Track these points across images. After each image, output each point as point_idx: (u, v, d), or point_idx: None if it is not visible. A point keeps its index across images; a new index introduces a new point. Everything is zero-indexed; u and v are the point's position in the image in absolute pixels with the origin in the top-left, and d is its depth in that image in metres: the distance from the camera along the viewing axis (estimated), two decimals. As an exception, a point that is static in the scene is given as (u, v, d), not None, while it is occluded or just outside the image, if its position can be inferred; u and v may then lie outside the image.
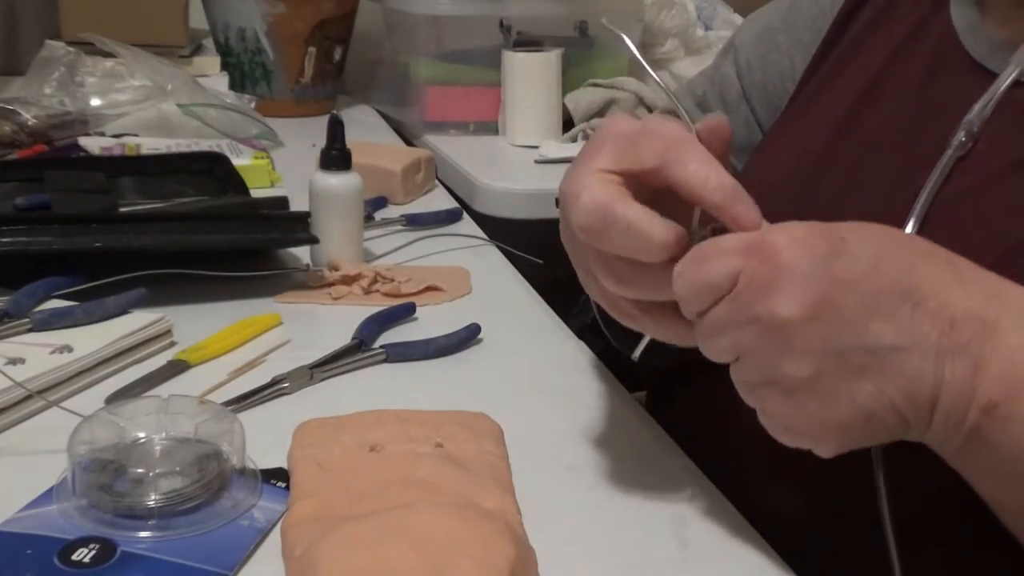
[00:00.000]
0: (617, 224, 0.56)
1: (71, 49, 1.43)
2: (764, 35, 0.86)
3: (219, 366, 0.80)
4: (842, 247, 0.51)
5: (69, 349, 0.77)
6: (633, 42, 0.62)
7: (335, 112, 1.02)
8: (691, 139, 0.57)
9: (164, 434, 0.63)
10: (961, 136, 0.62)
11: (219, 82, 1.55)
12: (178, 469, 0.61)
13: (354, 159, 1.00)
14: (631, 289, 0.59)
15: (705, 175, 0.55)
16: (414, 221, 1.17)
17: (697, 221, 0.58)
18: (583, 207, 0.57)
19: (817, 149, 0.72)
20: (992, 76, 0.64)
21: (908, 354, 0.50)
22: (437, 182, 1.35)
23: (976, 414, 0.50)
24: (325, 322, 0.91)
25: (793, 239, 0.51)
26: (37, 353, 0.76)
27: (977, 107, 0.62)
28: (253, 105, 1.50)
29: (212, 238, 0.93)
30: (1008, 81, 0.62)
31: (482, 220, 1.24)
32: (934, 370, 0.50)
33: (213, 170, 1.19)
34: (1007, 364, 0.49)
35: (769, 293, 0.51)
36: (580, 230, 0.57)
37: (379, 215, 1.18)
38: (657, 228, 0.55)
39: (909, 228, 0.61)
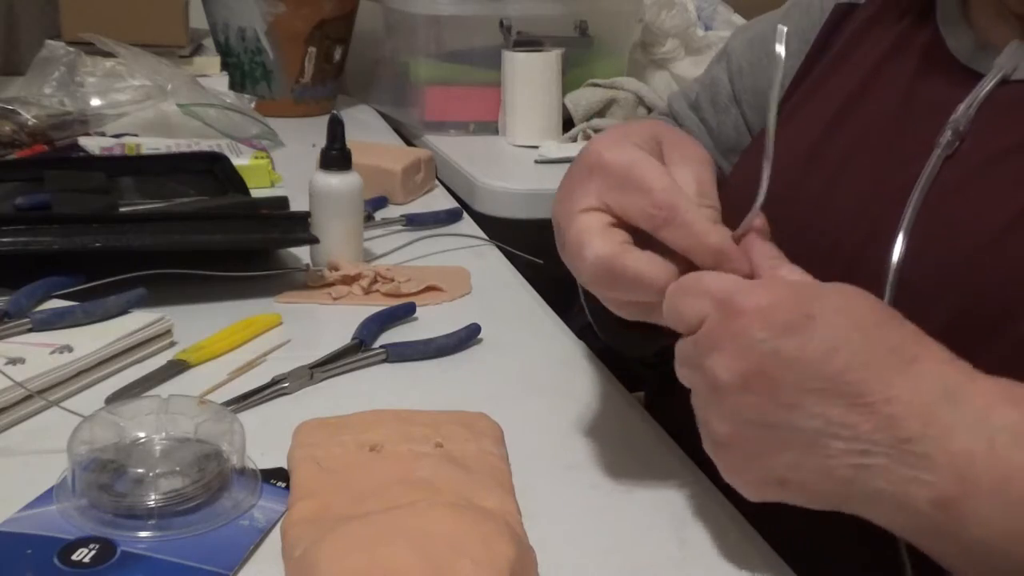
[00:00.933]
0: (624, 277, 0.60)
1: (71, 49, 1.43)
2: (756, 42, 0.88)
3: (219, 366, 0.80)
4: (803, 325, 0.52)
5: (69, 349, 0.77)
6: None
7: (335, 112, 1.02)
8: (677, 199, 0.60)
9: (164, 434, 0.63)
10: (948, 135, 0.65)
11: (219, 82, 1.55)
12: (178, 469, 0.61)
13: (354, 159, 1.00)
14: (638, 313, 0.63)
15: (694, 243, 0.59)
16: (414, 221, 1.17)
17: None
18: (590, 265, 0.60)
19: (805, 149, 0.74)
20: (976, 76, 0.66)
21: (834, 439, 0.52)
22: (437, 182, 1.35)
23: (930, 508, 0.50)
24: (325, 322, 0.91)
25: (756, 306, 0.53)
26: (37, 353, 0.76)
27: (962, 107, 0.65)
28: (253, 105, 1.50)
29: (212, 238, 0.93)
30: (992, 82, 0.65)
31: (482, 220, 1.24)
32: (859, 458, 0.51)
33: (213, 170, 1.20)
34: (963, 465, 0.49)
35: (715, 351, 0.54)
36: (590, 285, 0.62)
37: (379, 215, 1.18)
38: (660, 274, 0.59)
39: (904, 223, 0.63)
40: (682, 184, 0.62)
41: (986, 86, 0.65)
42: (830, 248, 0.67)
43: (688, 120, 0.93)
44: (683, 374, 0.57)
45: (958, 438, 0.50)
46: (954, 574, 0.54)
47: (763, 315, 0.53)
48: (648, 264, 0.59)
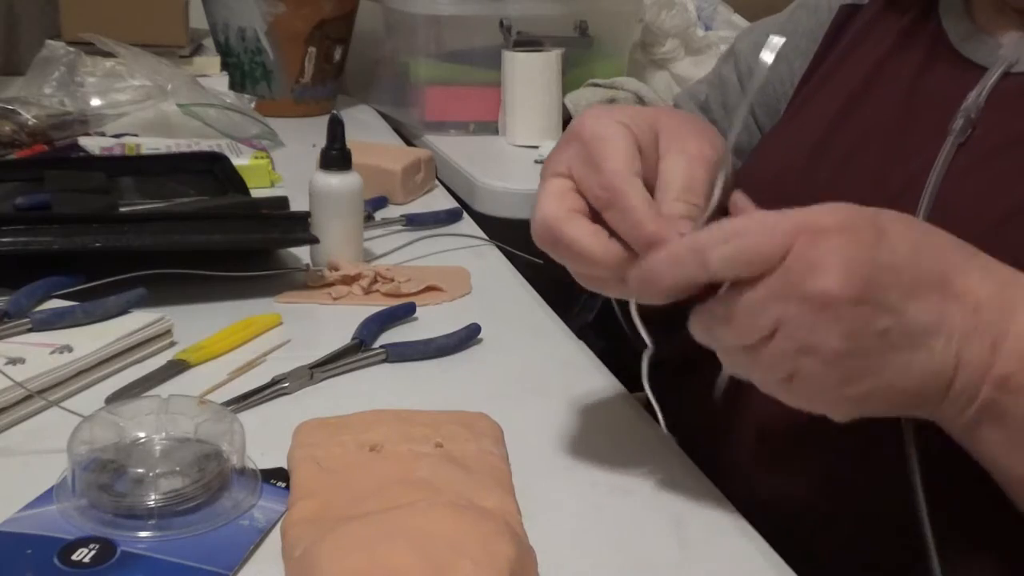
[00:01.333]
0: (561, 242, 0.61)
1: (71, 49, 1.43)
2: (763, 42, 0.87)
3: (219, 366, 0.80)
4: (883, 234, 0.54)
5: (69, 349, 0.77)
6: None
7: (335, 112, 1.02)
8: (622, 183, 0.61)
9: (164, 434, 0.63)
10: (960, 122, 0.67)
11: (219, 82, 1.55)
12: (178, 469, 0.61)
13: (354, 159, 1.00)
14: (590, 283, 0.64)
15: (629, 229, 0.60)
16: (414, 221, 1.17)
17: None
18: (535, 224, 0.62)
19: (812, 142, 0.75)
20: (979, 69, 0.69)
21: (936, 337, 0.54)
22: (437, 182, 1.35)
23: (989, 388, 0.54)
24: (325, 322, 0.91)
25: (843, 225, 0.53)
26: (37, 353, 0.76)
27: (972, 95, 0.67)
28: (253, 105, 1.50)
29: (212, 238, 0.92)
30: (998, 73, 0.67)
31: (482, 220, 1.24)
32: (956, 352, 0.54)
33: (213, 170, 1.19)
34: (1020, 340, 0.54)
35: (817, 271, 0.53)
36: (536, 241, 0.63)
37: (379, 215, 1.18)
38: (597, 248, 0.60)
39: (922, 209, 0.65)
40: (668, 177, 0.63)
41: (994, 75, 0.67)
42: None
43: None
44: (774, 311, 0.54)
45: (1019, 319, 0.54)
46: (1006, 471, 0.57)
47: (852, 231, 0.53)
48: (588, 235, 0.61)
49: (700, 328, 0.58)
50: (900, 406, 0.56)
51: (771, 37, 0.63)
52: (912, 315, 0.53)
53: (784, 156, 0.78)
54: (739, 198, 0.59)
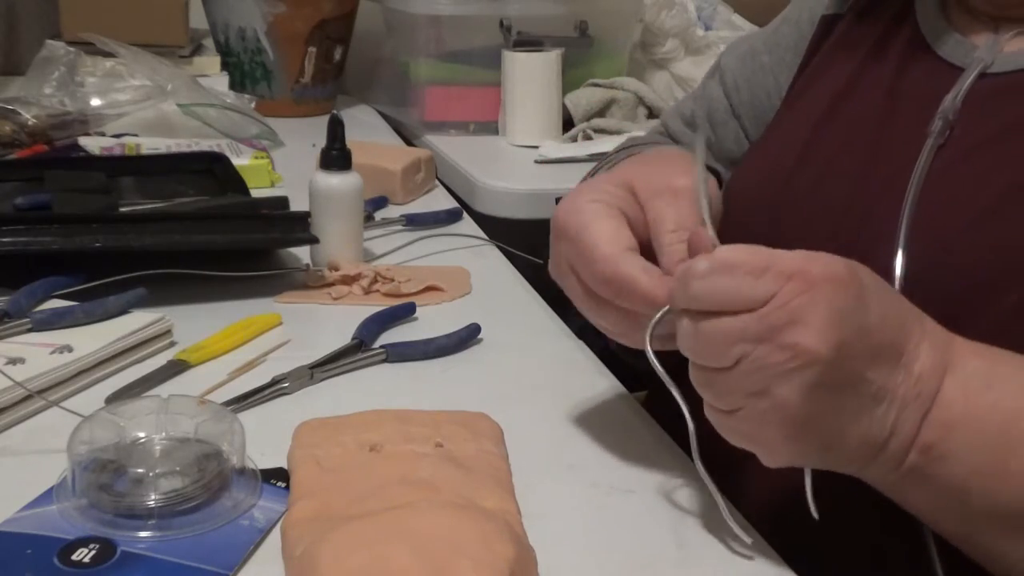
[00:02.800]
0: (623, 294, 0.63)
1: (71, 49, 1.43)
2: (748, 57, 0.91)
3: (219, 366, 0.80)
4: (863, 295, 0.54)
5: (69, 349, 0.77)
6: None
7: (335, 112, 1.02)
8: (621, 269, 0.63)
9: (164, 434, 0.63)
10: (939, 124, 0.68)
11: (219, 82, 1.55)
12: (178, 469, 0.61)
13: (354, 159, 1.00)
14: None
15: (642, 305, 0.62)
16: (414, 221, 1.17)
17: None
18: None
19: (796, 148, 0.77)
20: (956, 69, 0.70)
21: (880, 404, 0.55)
22: (437, 182, 1.35)
23: (915, 455, 0.56)
24: (325, 322, 0.91)
25: (834, 276, 0.53)
26: (37, 353, 0.76)
27: (949, 97, 0.69)
28: (253, 105, 1.50)
29: (212, 238, 0.93)
30: (974, 74, 0.69)
31: (482, 220, 1.24)
32: (894, 420, 0.55)
33: (213, 170, 1.19)
34: (945, 410, 0.55)
35: (799, 324, 0.52)
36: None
37: (379, 215, 1.18)
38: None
39: (905, 212, 0.66)
40: (658, 219, 0.66)
41: (970, 76, 0.69)
42: (827, 237, 0.68)
43: (685, 137, 0.96)
44: (727, 352, 0.54)
45: (946, 386, 0.56)
46: (932, 525, 0.59)
47: (838, 285, 0.53)
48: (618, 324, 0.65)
49: (677, 336, 0.57)
50: (830, 463, 0.57)
51: (698, 139, 0.67)
52: (868, 380, 0.54)
53: (769, 163, 0.79)
54: (701, 234, 0.60)
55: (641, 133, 1.21)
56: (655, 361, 0.60)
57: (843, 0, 0.83)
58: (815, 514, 0.58)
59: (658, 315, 0.61)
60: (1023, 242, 0.62)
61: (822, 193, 0.73)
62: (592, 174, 0.91)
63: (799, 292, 0.52)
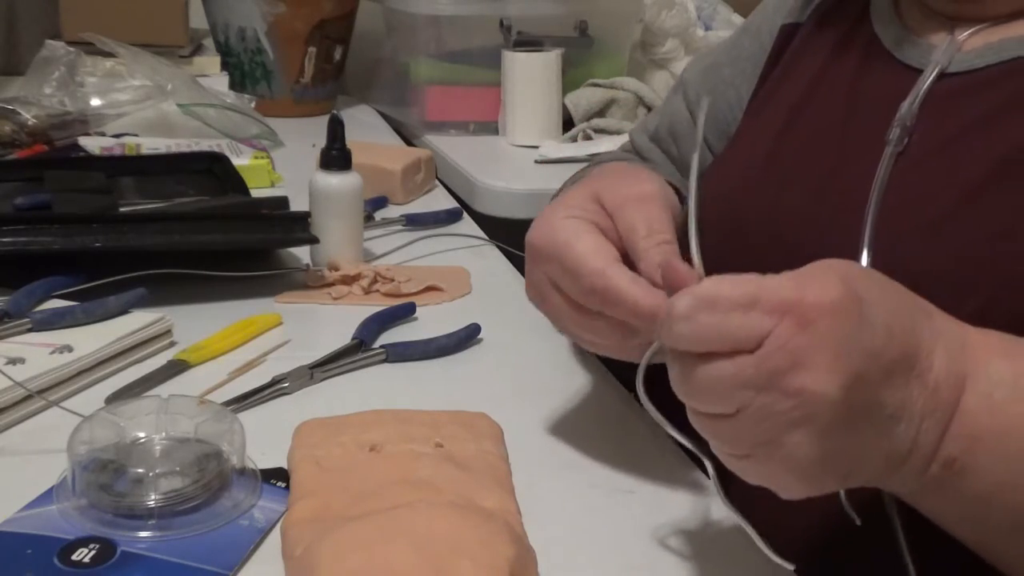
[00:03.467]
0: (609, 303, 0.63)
1: (71, 49, 1.43)
2: (710, 70, 0.91)
3: (219, 366, 0.80)
4: (865, 314, 0.49)
5: (69, 349, 0.77)
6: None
7: (335, 112, 1.02)
8: (608, 280, 0.62)
9: (164, 434, 0.63)
10: (896, 132, 0.68)
11: (219, 82, 1.55)
12: (178, 469, 0.61)
13: (354, 159, 1.00)
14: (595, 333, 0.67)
15: (629, 314, 0.62)
16: (414, 221, 1.17)
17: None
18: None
19: (760, 159, 0.77)
20: (914, 71, 0.70)
21: (899, 422, 0.51)
22: (437, 182, 1.35)
23: (936, 468, 0.52)
24: (325, 322, 0.91)
25: (830, 305, 0.48)
26: (37, 353, 0.76)
27: (906, 104, 0.68)
28: (253, 105, 1.50)
29: (212, 238, 0.93)
30: (931, 78, 0.68)
31: (482, 220, 1.24)
32: (914, 435, 0.51)
33: (213, 170, 1.20)
34: (967, 423, 0.52)
35: (800, 368, 0.47)
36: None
37: (379, 215, 1.18)
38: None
39: (868, 220, 0.65)
40: (630, 227, 0.65)
41: (926, 82, 0.69)
42: (790, 248, 0.68)
43: (651, 152, 0.96)
44: (724, 399, 0.49)
45: (968, 398, 0.51)
46: (950, 531, 0.56)
47: (839, 314, 0.48)
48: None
49: (670, 377, 0.52)
50: (850, 483, 0.54)
51: (703, 98, 0.64)
52: (883, 404, 0.50)
53: (733, 175, 0.79)
54: (676, 266, 0.53)
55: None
56: (649, 404, 0.57)
57: (802, 9, 0.83)
58: (856, 520, 0.55)
59: (648, 353, 0.58)
60: (980, 249, 0.61)
61: (785, 205, 0.72)
62: (555, 197, 0.91)
63: (797, 329, 0.47)
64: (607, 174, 0.73)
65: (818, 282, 0.49)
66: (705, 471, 0.62)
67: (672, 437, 0.58)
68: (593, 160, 0.97)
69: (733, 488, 0.59)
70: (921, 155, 0.67)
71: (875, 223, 0.65)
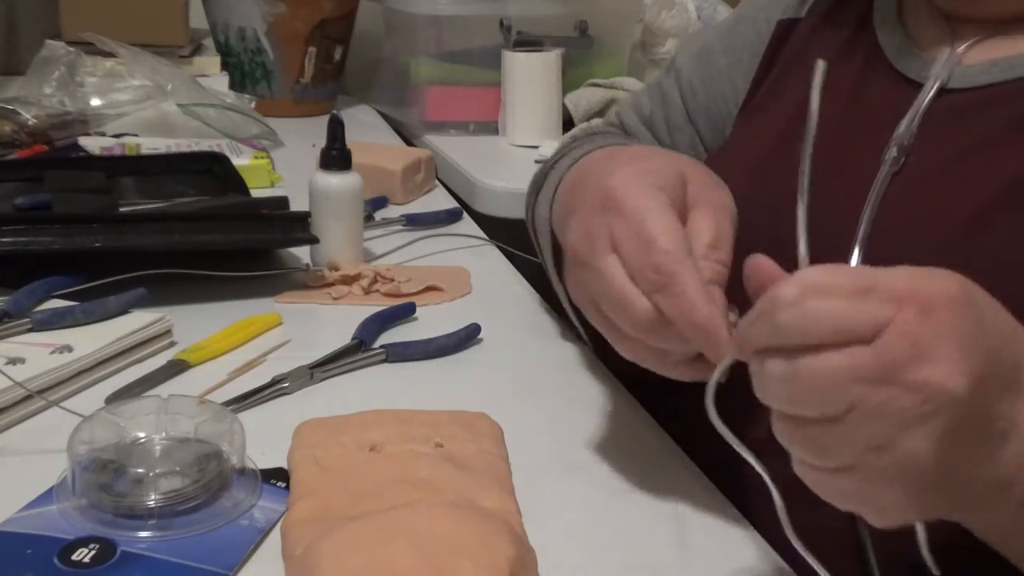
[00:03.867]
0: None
1: (71, 49, 1.43)
2: (704, 57, 0.88)
3: (219, 366, 0.80)
4: (982, 317, 0.45)
5: (69, 349, 0.77)
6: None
7: (335, 112, 1.02)
8: (679, 267, 0.57)
9: (164, 434, 0.63)
10: (894, 151, 0.66)
11: (219, 82, 1.55)
12: (178, 469, 0.61)
13: (354, 159, 1.00)
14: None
15: (680, 315, 0.56)
16: (414, 221, 1.17)
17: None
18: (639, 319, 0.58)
19: (755, 165, 0.75)
20: (914, 86, 0.68)
21: (1008, 442, 0.46)
22: (437, 182, 1.35)
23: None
24: (325, 322, 0.91)
25: (952, 297, 0.44)
26: (37, 353, 0.76)
27: (904, 123, 0.66)
28: (253, 105, 1.50)
29: (212, 238, 0.93)
30: (929, 96, 0.67)
31: (482, 220, 1.24)
32: (1019, 459, 0.47)
33: (213, 170, 1.19)
34: None
35: (925, 360, 0.43)
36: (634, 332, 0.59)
37: (379, 215, 1.18)
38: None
39: (858, 239, 0.64)
40: (698, 232, 0.60)
41: (924, 99, 0.67)
42: (791, 258, 0.67)
43: (642, 135, 0.93)
44: (855, 392, 0.44)
45: None
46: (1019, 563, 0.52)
47: (960, 305, 0.44)
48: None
49: (757, 382, 0.47)
50: (956, 512, 0.49)
51: (819, 62, 0.57)
52: (996, 416, 0.45)
53: (727, 180, 0.75)
54: (763, 263, 0.50)
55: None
56: (720, 423, 0.51)
57: (800, 4, 0.81)
58: (936, 571, 0.50)
59: (718, 369, 0.52)
60: (987, 278, 0.58)
61: (775, 222, 0.68)
62: (552, 165, 0.86)
63: (921, 318, 0.43)
64: (699, 165, 0.67)
65: (937, 276, 0.45)
66: (758, 493, 0.55)
67: (747, 460, 0.52)
68: (584, 130, 0.94)
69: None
70: (920, 176, 0.65)
71: (865, 247, 0.63)
